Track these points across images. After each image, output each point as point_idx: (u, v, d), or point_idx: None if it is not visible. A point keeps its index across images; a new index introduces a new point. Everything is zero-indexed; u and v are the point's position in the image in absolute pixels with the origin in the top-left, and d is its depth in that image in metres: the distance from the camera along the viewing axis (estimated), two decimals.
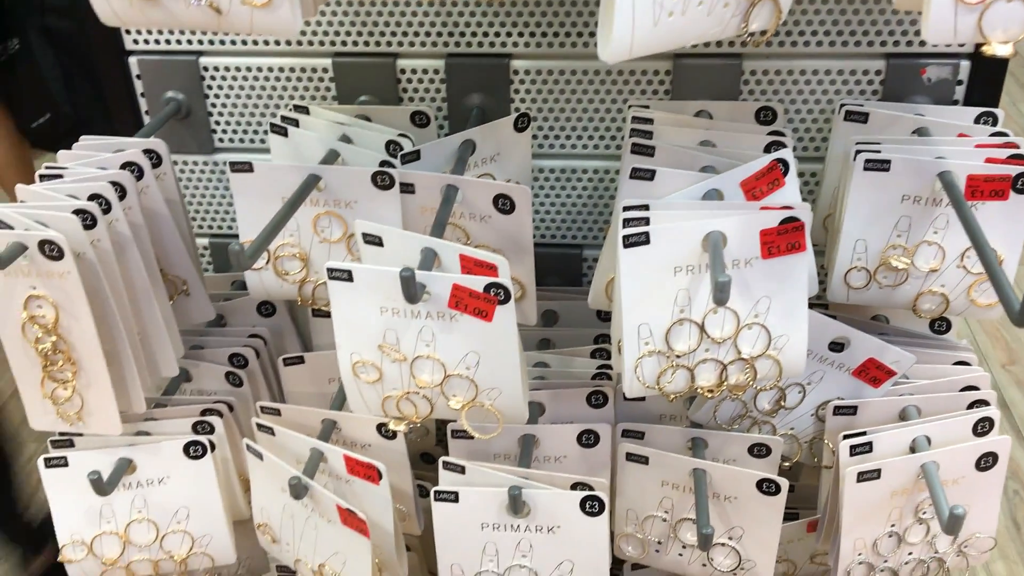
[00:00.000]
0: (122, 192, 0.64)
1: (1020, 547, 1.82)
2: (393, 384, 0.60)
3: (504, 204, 0.64)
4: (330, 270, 0.57)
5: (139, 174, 0.66)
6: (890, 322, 0.76)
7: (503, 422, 0.60)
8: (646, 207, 0.59)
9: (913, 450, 0.65)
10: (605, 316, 0.81)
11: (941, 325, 0.75)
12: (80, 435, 0.68)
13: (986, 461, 0.65)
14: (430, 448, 0.89)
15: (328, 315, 0.79)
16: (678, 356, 0.59)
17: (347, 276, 0.57)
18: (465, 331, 0.57)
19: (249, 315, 0.81)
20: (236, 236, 0.85)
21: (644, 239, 0.57)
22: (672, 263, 0.58)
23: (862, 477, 0.63)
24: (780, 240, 0.58)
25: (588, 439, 0.69)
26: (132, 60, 0.77)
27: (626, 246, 0.57)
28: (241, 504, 0.74)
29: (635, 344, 0.59)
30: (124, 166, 0.66)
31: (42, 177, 0.64)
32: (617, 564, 0.85)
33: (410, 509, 0.72)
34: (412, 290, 0.55)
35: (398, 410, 0.61)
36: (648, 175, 0.62)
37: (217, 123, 0.79)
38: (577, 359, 0.74)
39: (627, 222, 0.58)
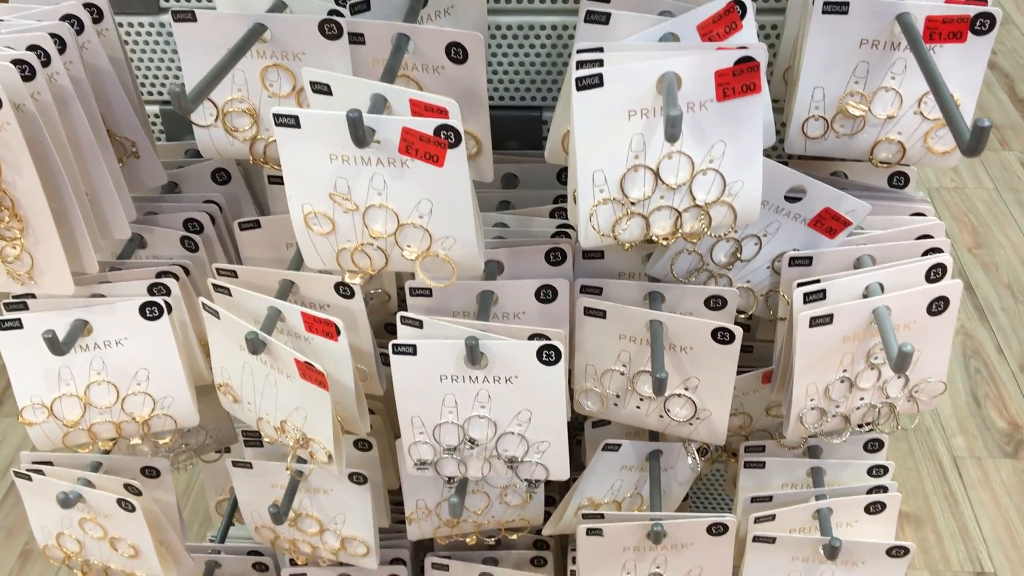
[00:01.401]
0: (62, 45, 0.61)
1: (979, 422, 1.88)
2: (346, 236, 0.60)
3: (457, 53, 0.62)
4: (276, 116, 0.56)
5: (79, 28, 0.64)
6: (848, 178, 0.76)
7: (457, 272, 0.60)
8: (600, 49, 0.58)
9: (866, 296, 0.66)
10: (565, 178, 0.80)
11: (899, 180, 0.75)
12: (32, 296, 0.68)
13: (938, 306, 0.65)
14: (392, 318, 0.89)
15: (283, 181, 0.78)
16: (633, 204, 0.59)
17: (294, 122, 0.56)
18: (417, 178, 0.56)
19: (204, 183, 0.79)
20: None
21: (597, 81, 0.56)
22: (626, 106, 0.57)
23: (815, 322, 0.64)
24: (735, 81, 0.57)
25: (546, 295, 0.69)
26: None
27: (579, 88, 0.56)
28: (203, 368, 0.74)
29: (590, 192, 0.59)
30: (63, 19, 0.63)
31: None
32: (578, 424, 0.87)
33: (371, 368, 0.72)
34: (360, 132, 0.53)
35: (353, 263, 0.61)
36: (603, 19, 0.61)
37: None
38: (536, 219, 0.74)
39: (580, 64, 0.57)
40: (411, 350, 0.64)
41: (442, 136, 0.54)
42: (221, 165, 0.78)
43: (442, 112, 0.55)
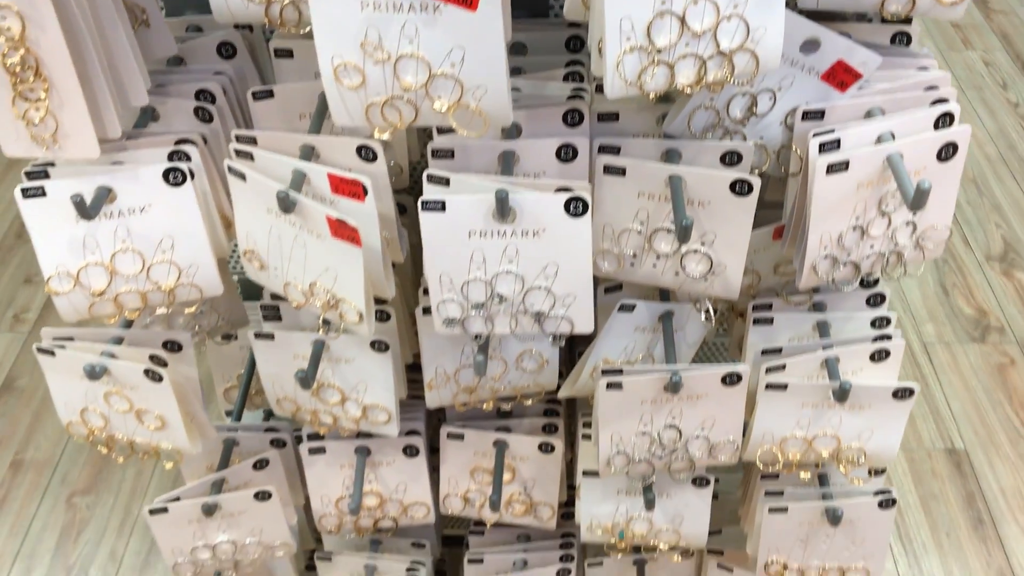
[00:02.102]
0: None
1: (948, 310, 1.94)
2: (376, 89, 0.60)
3: None
4: None
5: None
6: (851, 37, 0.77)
7: (488, 123, 0.61)
8: None
9: (879, 143, 0.68)
10: (574, 47, 0.81)
11: (902, 39, 0.77)
12: (53, 165, 0.67)
13: (947, 152, 0.68)
14: (401, 196, 0.90)
15: (290, 55, 0.78)
16: (659, 51, 0.60)
17: None
18: (449, 24, 0.57)
19: (209, 57, 0.78)
20: None
21: None
22: None
23: (831, 169, 0.66)
24: None
25: (567, 153, 0.70)
26: None
27: None
28: (222, 240, 0.74)
29: (617, 40, 0.59)
30: None
31: None
32: None
33: (393, 233, 0.73)
34: None
35: (383, 118, 0.62)
36: None
37: None
38: (550, 83, 0.75)
39: None
40: (440, 206, 0.65)
41: None
42: (226, 39, 0.78)
43: None
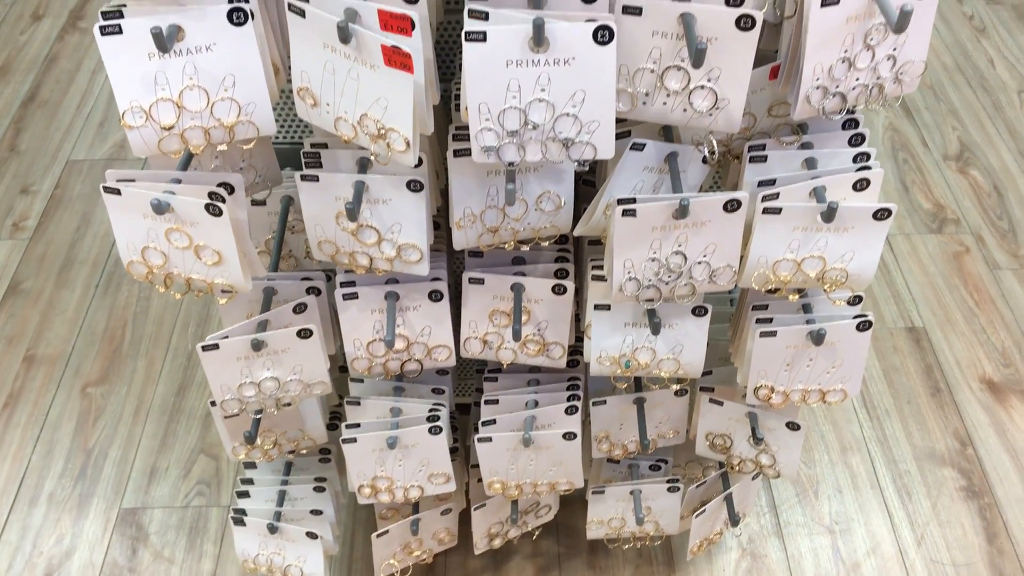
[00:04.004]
0: None
1: (908, 204, 2.06)
2: None
3: None
4: None
5: None
6: None
7: None
8: None
9: None
10: None
11: None
12: (125, 6, 0.74)
13: None
14: None
15: None
16: None
17: None
18: None
19: None
20: None
21: None
22: None
23: (825, 2, 0.75)
24: None
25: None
26: None
27: None
28: (273, 85, 0.82)
29: None
30: None
31: None
32: None
33: (431, 75, 0.80)
34: None
35: None
36: None
37: None
38: None
39: None
40: (482, 36, 0.73)
41: None
42: None
43: None
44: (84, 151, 2.13)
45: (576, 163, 0.82)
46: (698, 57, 0.73)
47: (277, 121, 1.11)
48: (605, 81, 0.75)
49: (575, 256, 1.05)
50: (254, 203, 1.07)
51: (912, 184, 2.11)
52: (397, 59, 0.72)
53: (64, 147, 2.14)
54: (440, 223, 1.06)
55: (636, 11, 0.78)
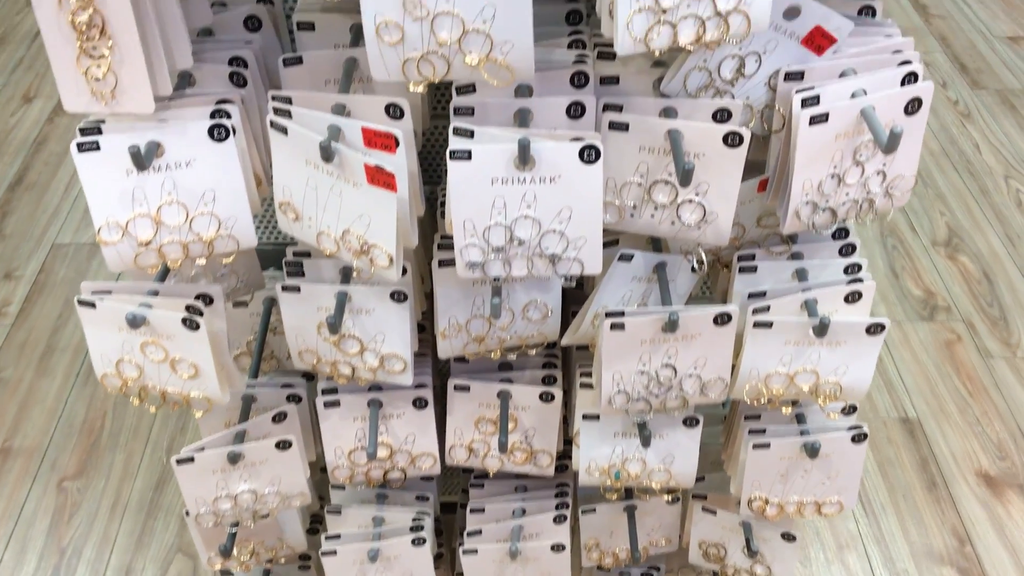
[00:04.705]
0: None
1: (898, 291, 2.05)
2: (413, 45, 0.67)
3: None
4: None
5: None
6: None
7: (514, 75, 0.68)
8: None
9: (853, 99, 0.76)
10: (573, 20, 0.88)
11: (868, 12, 0.86)
12: (104, 122, 0.73)
13: (913, 106, 0.76)
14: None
15: (312, 28, 0.84)
16: (664, 12, 0.68)
17: None
18: None
19: (236, 29, 0.84)
20: None
21: None
22: None
23: (813, 121, 0.74)
24: None
25: (576, 110, 0.77)
26: None
27: None
28: (255, 197, 0.80)
29: (627, 1, 0.67)
30: None
31: None
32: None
33: (415, 188, 0.79)
34: None
35: (417, 72, 0.68)
36: None
37: None
38: (555, 51, 0.82)
39: None
40: (466, 155, 0.72)
41: None
42: (252, 12, 0.84)
43: None
44: (70, 235, 2.11)
45: (563, 278, 0.80)
46: (685, 177, 0.72)
47: (259, 222, 1.10)
48: (592, 199, 0.74)
49: (563, 359, 1.03)
50: (236, 304, 1.05)
51: (902, 270, 2.11)
52: (380, 178, 0.70)
53: (50, 231, 2.12)
54: (425, 325, 1.03)
55: (623, 127, 0.77)
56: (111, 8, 0.64)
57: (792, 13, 0.77)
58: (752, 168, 0.90)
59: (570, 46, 0.83)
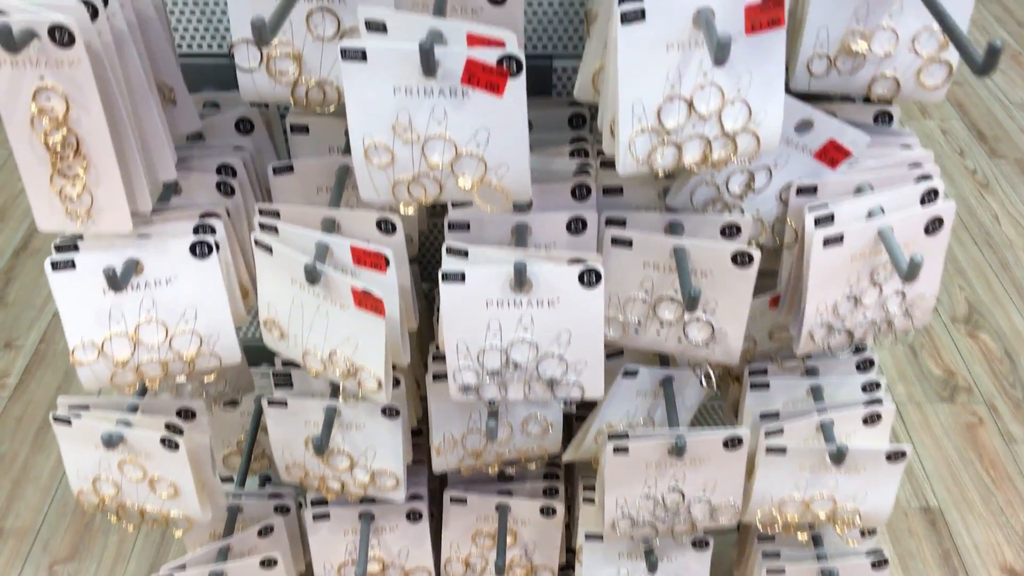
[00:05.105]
0: None
1: (917, 370, 1.99)
2: (404, 167, 0.63)
3: None
4: (344, 50, 0.59)
5: None
6: (837, 116, 0.82)
7: (509, 199, 0.64)
8: None
9: (870, 218, 0.72)
10: (576, 124, 0.85)
11: (884, 118, 0.82)
12: (81, 238, 0.69)
13: (934, 226, 0.72)
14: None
15: (306, 131, 0.81)
16: (668, 132, 0.64)
17: (361, 56, 0.59)
18: (477, 107, 0.60)
19: (228, 133, 0.81)
20: (206, 56, 0.85)
21: (640, 15, 0.61)
22: (665, 39, 0.61)
23: (827, 243, 0.70)
24: (762, 16, 0.62)
25: (576, 226, 0.74)
26: None
27: (624, 23, 0.60)
28: (240, 309, 0.76)
29: (629, 122, 0.63)
30: None
31: None
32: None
33: (408, 303, 0.76)
34: (431, 62, 0.57)
35: (408, 194, 0.65)
36: None
37: None
38: (557, 159, 0.78)
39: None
40: (460, 277, 0.68)
41: (504, 65, 0.58)
42: (244, 115, 0.81)
43: (500, 44, 0.59)
44: None
45: (562, 403, 0.76)
46: (691, 303, 0.68)
47: (249, 316, 1.06)
48: (593, 322, 0.70)
49: (566, 469, 0.98)
50: (226, 404, 1.01)
51: (921, 348, 2.05)
52: (368, 302, 0.67)
53: (52, 300, 2.09)
54: (422, 428, 0.99)
55: (626, 243, 0.74)
56: (86, 128, 0.61)
57: (804, 127, 0.73)
58: (764, 276, 0.86)
59: (572, 154, 0.79)
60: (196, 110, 0.80)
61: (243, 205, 0.77)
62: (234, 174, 0.77)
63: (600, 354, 0.71)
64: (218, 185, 0.76)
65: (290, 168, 0.78)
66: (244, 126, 0.81)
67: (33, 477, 1.72)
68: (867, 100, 0.79)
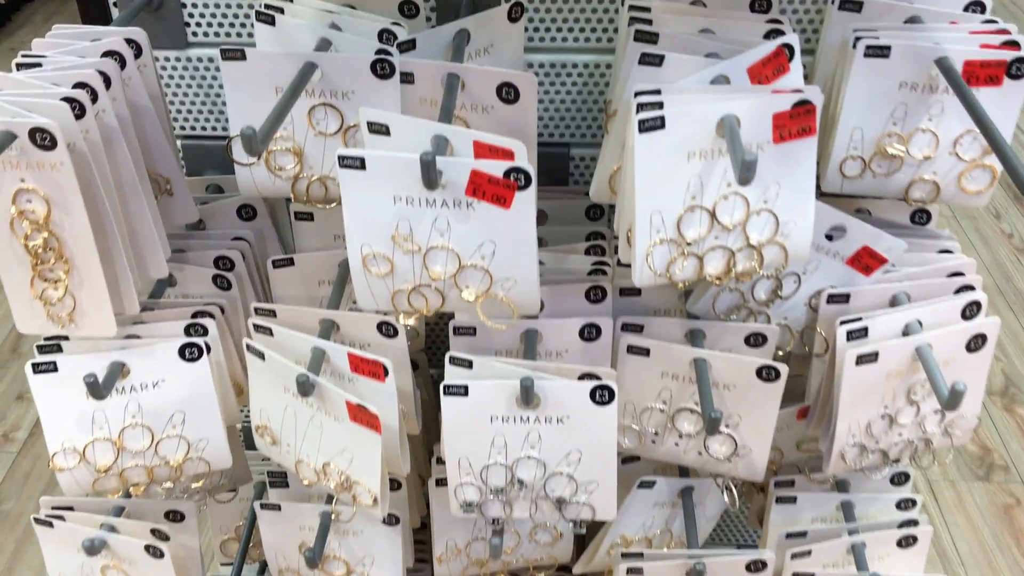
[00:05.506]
0: (107, 82, 0.60)
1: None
2: (405, 277, 0.59)
3: (508, 93, 0.62)
4: (341, 158, 0.55)
5: (121, 64, 0.62)
6: (872, 214, 0.77)
7: (517, 313, 0.60)
8: (659, 91, 0.58)
9: (906, 334, 0.67)
10: (594, 215, 0.81)
11: (922, 217, 0.77)
12: (67, 339, 0.66)
13: (976, 343, 0.67)
14: (416, 355, 0.89)
15: (311, 218, 0.78)
16: (688, 244, 0.60)
17: (359, 164, 0.55)
18: (482, 219, 0.56)
19: (229, 219, 0.78)
20: (210, 138, 0.82)
21: (659, 123, 0.56)
22: (686, 148, 0.57)
23: (860, 360, 0.65)
24: (792, 124, 0.58)
25: (590, 333, 0.69)
26: None
27: (641, 131, 0.56)
28: (233, 408, 0.73)
29: (647, 233, 0.59)
30: (105, 55, 0.62)
31: (19, 66, 0.60)
32: None
33: (410, 408, 0.71)
34: (432, 175, 0.53)
35: (408, 304, 0.60)
36: (657, 60, 0.61)
37: (191, 15, 0.75)
38: (571, 256, 0.74)
39: (641, 107, 0.57)
40: (462, 391, 0.63)
41: (511, 178, 0.54)
42: (247, 201, 0.77)
43: (508, 154, 0.55)
44: None
45: (572, 523, 0.71)
46: (712, 426, 0.63)
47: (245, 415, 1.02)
48: (605, 441, 0.65)
49: None
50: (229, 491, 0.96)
51: None
52: (363, 417, 0.62)
53: None
54: (427, 522, 0.94)
55: (643, 352, 0.69)
56: (68, 231, 0.58)
57: (837, 232, 0.68)
58: (793, 378, 0.81)
59: (588, 251, 0.75)
60: (194, 199, 0.77)
61: (240, 299, 0.73)
62: (232, 267, 0.73)
63: (613, 475, 0.66)
64: (214, 279, 0.72)
65: (290, 262, 0.74)
66: (246, 212, 0.78)
67: (36, 539, 1.67)
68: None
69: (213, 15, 0.75)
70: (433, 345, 0.95)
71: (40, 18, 3.38)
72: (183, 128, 0.81)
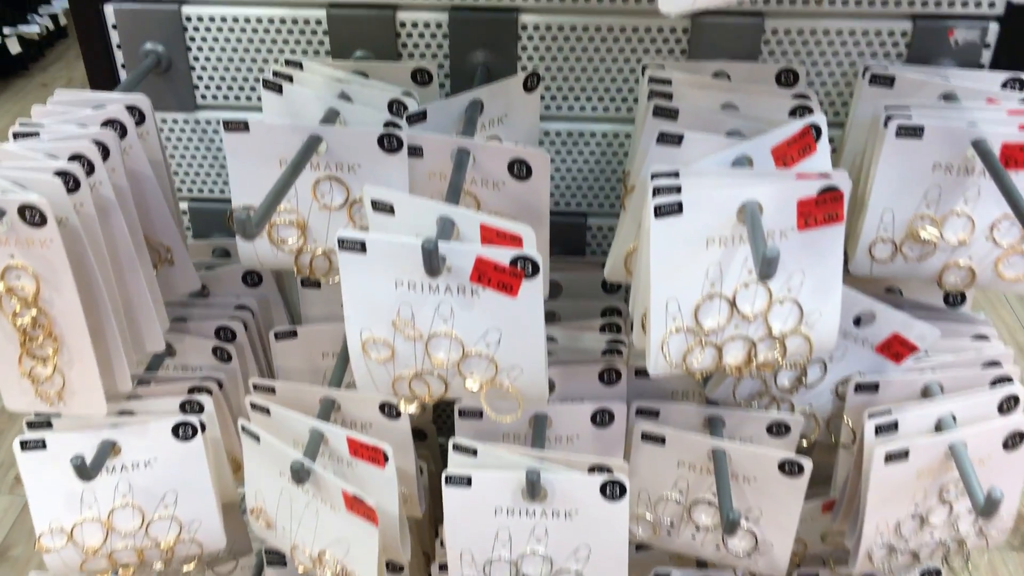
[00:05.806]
0: (105, 152, 0.58)
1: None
2: (406, 363, 0.56)
3: (520, 170, 0.60)
4: (341, 240, 0.53)
5: (122, 133, 0.61)
6: (903, 295, 0.74)
7: (523, 404, 0.57)
8: (676, 174, 0.55)
9: (938, 429, 0.63)
10: (610, 288, 0.78)
11: (956, 298, 0.73)
12: (58, 415, 0.63)
13: (1014, 440, 0.63)
14: (424, 424, 0.85)
15: (318, 285, 0.75)
16: (706, 333, 0.56)
17: (359, 247, 0.53)
18: (487, 306, 0.53)
19: (234, 285, 0.76)
20: (217, 200, 0.80)
21: (676, 208, 0.53)
22: (705, 234, 0.54)
23: (890, 458, 0.61)
24: (818, 211, 0.55)
25: (602, 418, 0.66)
26: (108, 8, 0.71)
27: (657, 216, 0.53)
28: (230, 486, 0.70)
29: (663, 321, 0.56)
30: (106, 124, 0.60)
31: (16, 135, 0.58)
32: None
33: (412, 491, 0.68)
34: (434, 263, 0.50)
35: (410, 390, 0.58)
36: (675, 140, 0.59)
37: (200, 78, 0.74)
38: (586, 334, 0.71)
39: (657, 191, 0.54)
40: (465, 482, 0.60)
41: (518, 267, 0.51)
42: (253, 268, 0.75)
43: (516, 240, 0.52)
44: None
45: None
46: (730, 527, 0.59)
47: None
48: (615, 538, 0.61)
49: None
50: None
51: None
52: (360, 508, 0.59)
53: None
54: None
55: (659, 439, 0.65)
56: (58, 308, 0.56)
57: (866, 318, 0.65)
58: (818, 467, 0.77)
59: (603, 328, 0.72)
60: (200, 263, 0.75)
61: (241, 370, 0.71)
62: (233, 337, 0.71)
63: (624, 573, 0.62)
64: (215, 350, 0.70)
65: (293, 334, 0.71)
66: (252, 279, 0.76)
67: None
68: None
69: (223, 78, 0.74)
70: (444, 413, 0.92)
71: (73, 54, 3.42)
72: (190, 191, 0.79)
